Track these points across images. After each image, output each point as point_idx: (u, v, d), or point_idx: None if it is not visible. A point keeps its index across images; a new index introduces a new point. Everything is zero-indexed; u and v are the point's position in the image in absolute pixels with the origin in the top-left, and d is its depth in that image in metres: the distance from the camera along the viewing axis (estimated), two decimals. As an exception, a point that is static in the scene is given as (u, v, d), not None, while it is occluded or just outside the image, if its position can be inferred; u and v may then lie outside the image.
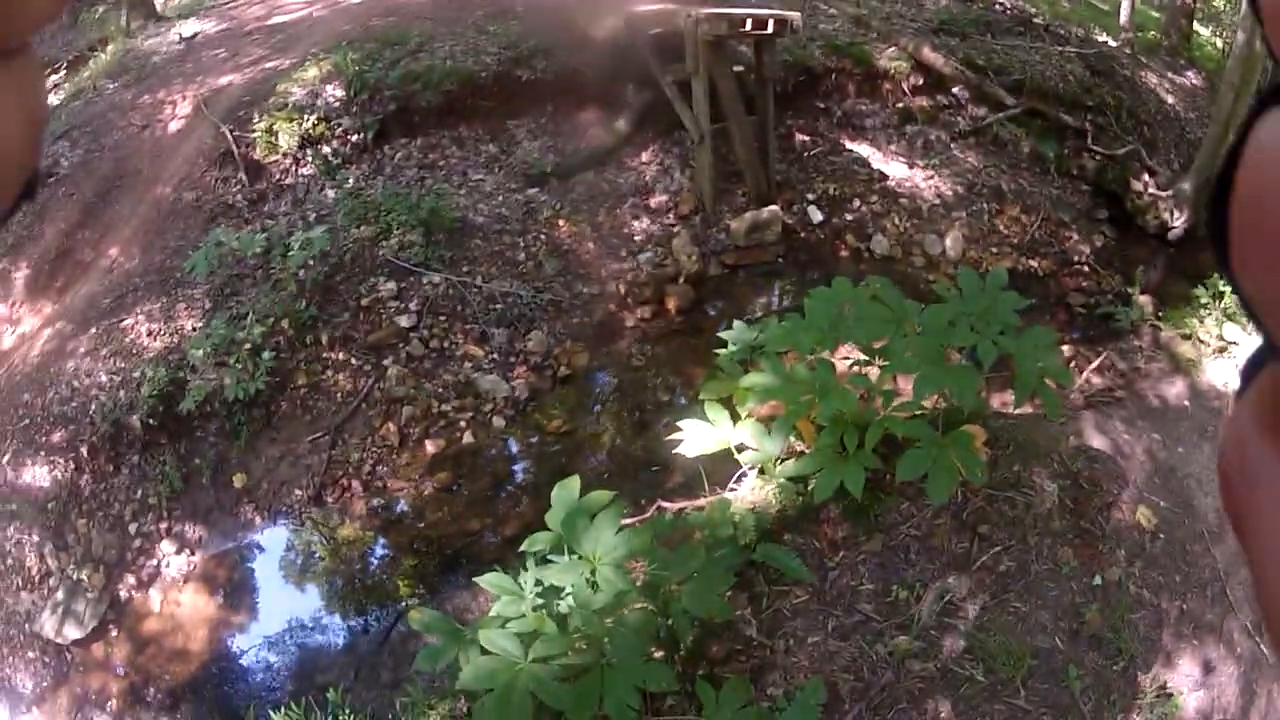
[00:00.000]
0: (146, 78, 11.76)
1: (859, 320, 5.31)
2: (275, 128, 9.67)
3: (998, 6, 13.70)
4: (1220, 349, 8.02)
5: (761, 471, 5.60)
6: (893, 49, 11.42)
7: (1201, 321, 8.40)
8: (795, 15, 9.71)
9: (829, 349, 5.35)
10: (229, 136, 9.54)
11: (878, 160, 10.64)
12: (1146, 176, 11.11)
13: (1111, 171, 11.13)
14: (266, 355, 7.80)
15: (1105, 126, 11.47)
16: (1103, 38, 14.05)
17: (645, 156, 10.23)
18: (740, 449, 5.37)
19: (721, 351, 5.94)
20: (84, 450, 7.32)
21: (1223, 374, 7.60)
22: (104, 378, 7.77)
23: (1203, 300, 8.65)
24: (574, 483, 4.68)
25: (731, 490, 5.81)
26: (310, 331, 8.26)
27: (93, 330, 8.22)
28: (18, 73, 0.34)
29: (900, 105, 11.20)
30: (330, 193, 9.34)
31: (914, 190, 10.40)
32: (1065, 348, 8.78)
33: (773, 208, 9.84)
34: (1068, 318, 9.65)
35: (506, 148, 9.90)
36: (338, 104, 9.74)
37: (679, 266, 9.39)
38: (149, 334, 8.14)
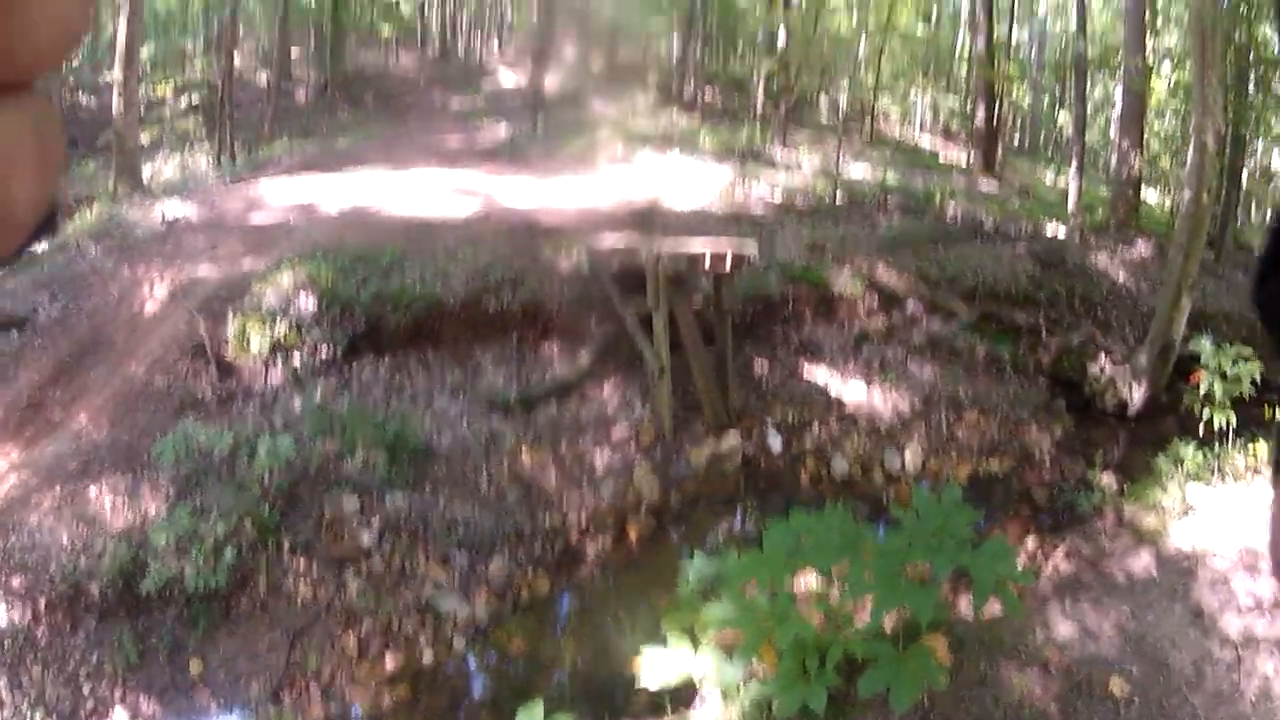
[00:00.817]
0: (128, 249, 12.02)
1: (817, 547, 5.43)
2: (248, 329, 9.83)
3: (949, 218, 14.39)
4: (1184, 512, 8.14)
5: (724, 694, 5.53)
6: (848, 271, 11.86)
7: (1165, 489, 8.54)
8: (752, 248, 10.17)
9: (787, 576, 5.45)
10: (203, 330, 9.69)
11: (835, 383, 10.91)
12: (1103, 357, 11.44)
13: (1068, 360, 11.48)
14: (229, 552, 7.80)
15: (1059, 318, 11.90)
16: (1052, 228, 14.79)
17: (607, 389, 10.43)
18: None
19: (683, 582, 6.01)
20: (42, 602, 7.29)
21: (1188, 537, 7.69)
22: (65, 539, 7.76)
23: (1164, 469, 8.83)
24: (538, 708, 4.63)
25: (694, 712, 5.71)
26: (273, 535, 8.24)
27: (58, 489, 8.23)
28: (29, 109, 0.36)
29: (856, 326, 11.59)
30: (298, 401, 9.43)
31: (872, 410, 10.64)
32: (1030, 539, 8.98)
33: (732, 437, 10.02)
34: (1031, 511, 9.80)
35: (472, 375, 10.07)
36: (310, 315, 9.95)
37: (640, 496, 9.48)
38: (112, 508, 8.15)
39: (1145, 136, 17.50)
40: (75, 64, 28.25)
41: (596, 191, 14.52)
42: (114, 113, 15.27)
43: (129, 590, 7.48)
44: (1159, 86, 19.05)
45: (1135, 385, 10.91)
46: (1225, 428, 8.88)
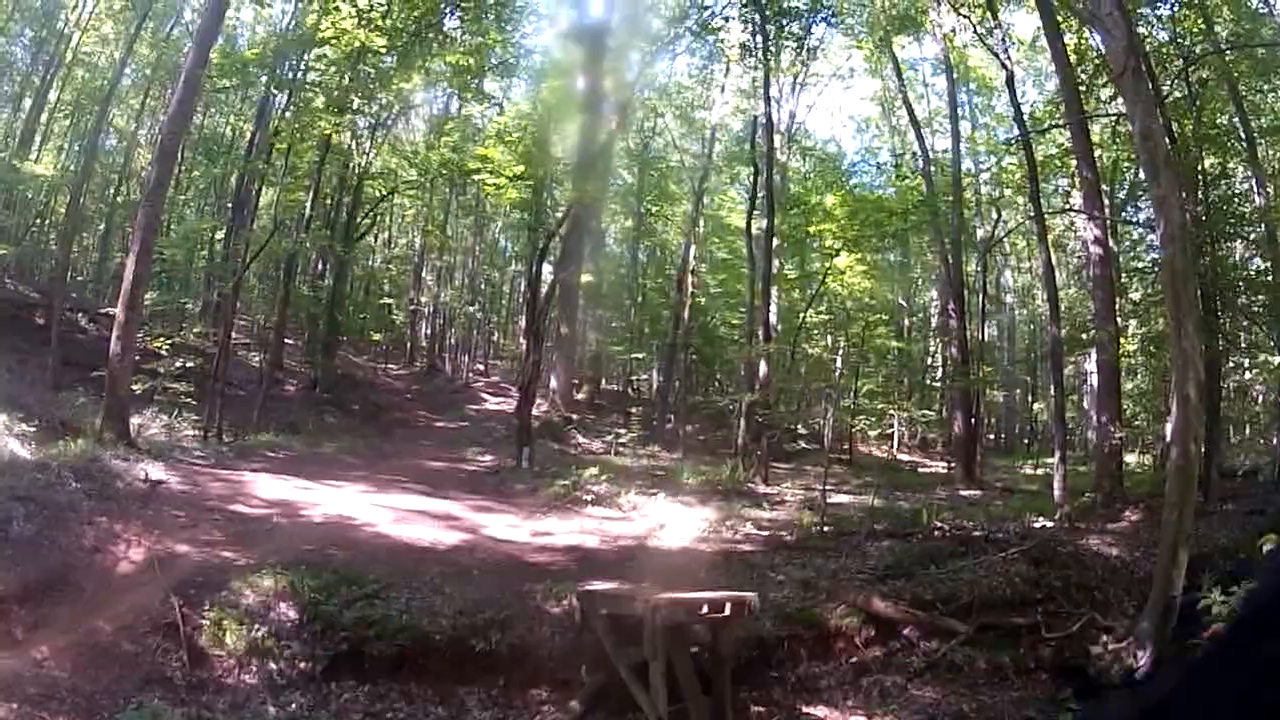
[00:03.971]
0: (107, 499, 11.79)
1: None
2: (224, 623, 9.38)
3: (937, 534, 14.47)
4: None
5: None
6: (842, 606, 11.74)
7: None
8: (752, 596, 10.06)
9: None
10: (178, 610, 9.31)
11: (835, 719, 10.45)
12: (1105, 636, 11.09)
13: (1069, 649, 11.14)
14: None
15: (1056, 611, 11.71)
16: (1040, 522, 14.78)
17: None
18: None
19: None
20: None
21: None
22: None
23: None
24: None
25: None
26: None
27: (14, 706, 7.62)
28: None
29: (854, 660, 11.27)
30: (271, 709, 8.82)
31: None
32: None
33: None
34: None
35: (456, 714, 9.54)
36: (290, 625, 9.60)
37: None
38: None
39: (1120, 402, 17.74)
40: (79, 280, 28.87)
41: (584, 531, 14.64)
42: (111, 353, 15.44)
43: None
44: (1129, 346, 19.66)
45: (1140, 652, 10.49)
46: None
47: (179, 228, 28.75)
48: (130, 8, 27.60)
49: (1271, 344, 18.15)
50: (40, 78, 27.65)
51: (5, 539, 9.95)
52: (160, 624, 9.34)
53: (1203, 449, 11.18)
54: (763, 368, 22.67)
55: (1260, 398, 23.67)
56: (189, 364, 19.50)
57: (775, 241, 24.75)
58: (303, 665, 9.33)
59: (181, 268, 28.06)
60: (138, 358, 16.91)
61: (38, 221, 30.88)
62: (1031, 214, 21.37)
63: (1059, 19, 18.33)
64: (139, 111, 30.98)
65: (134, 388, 16.72)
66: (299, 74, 25.15)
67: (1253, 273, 19.55)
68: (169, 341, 20.16)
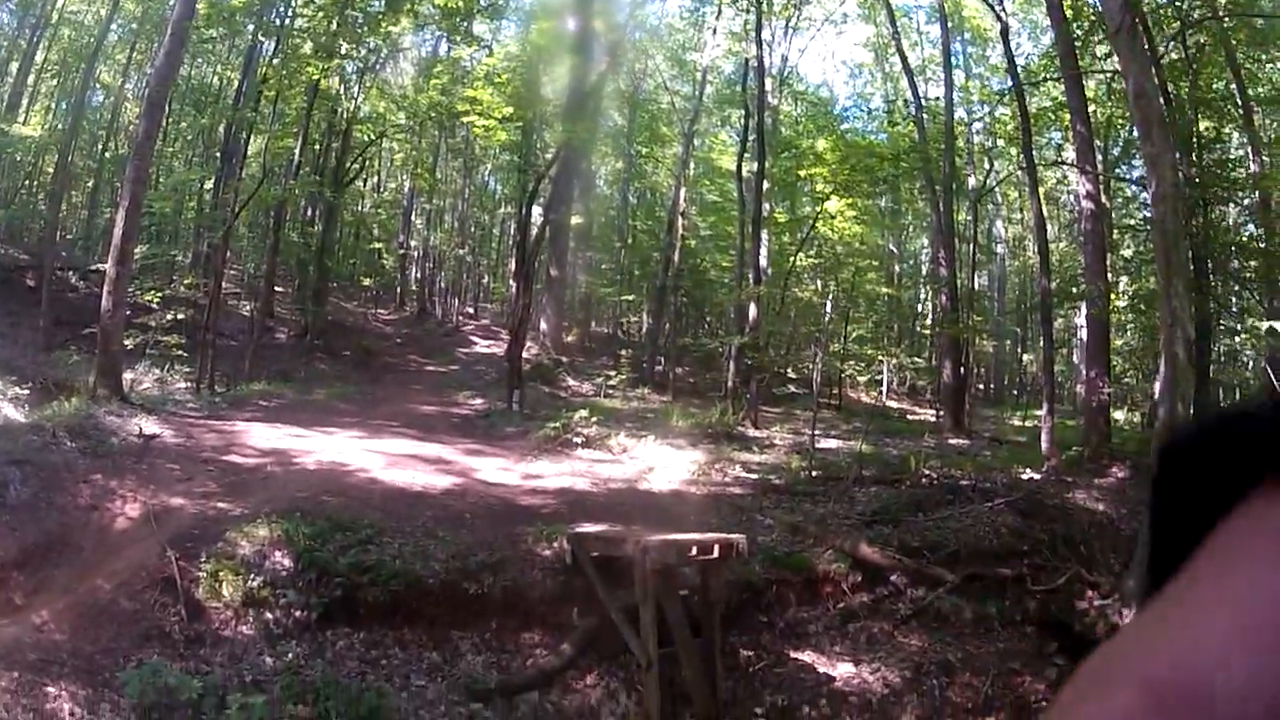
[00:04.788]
0: (102, 456, 11.90)
1: None
2: (221, 575, 9.53)
3: (924, 481, 14.70)
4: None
5: None
6: (830, 551, 11.96)
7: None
8: (740, 538, 10.27)
9: None
10: (174, 564, 9.43)
11: (823, 664, 10.76)
12: (1090, 592, 11.36)
13: (1055, 604, 11.38)
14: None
15: (1043, 564, 11.90)
16: (1027, 474, 15.03)
17: (590, 680, 10.18)
18: None
19: None
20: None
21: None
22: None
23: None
24: None
25: None
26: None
27: (15, 674, 7.81)
28: None
29: (841, 605, 11.52)
30: (269, 659, 9.02)
31: (862, 686, 10.47)
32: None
33: (722, 728, 9.77)
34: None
35: (450, 658, 9.80)
36: (285, 574, 9.74)
37: (625, 793, 9.05)
38: (71, 715, 7.72)
39: (1109, 359, 18.02)
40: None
41: (574, 473, 14.84)
42: (102, 309, 15.51)
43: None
44: (1119, 303, 19.78)
45: (1126, 610, 10.75)
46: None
47: (167, 180, 28.56)
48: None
49: (1262, 310, 18.05)
50: (27, 40, 27.19)
51: (3, 505, 10.04)
52: (157, 579, 9.45)
53: (1191, 409, 11.30)
54: (752, 311, 22.70)
55: (1250, 363, 23.65)
56: (180, 316, 19.61)
57: (766, 184, 24.64)
58: (298, 614, 9.47)
59: (171, 220, 27.86)
60: (129, 312, 16.96)
61: (26, 183, 30.65)
62: (1024, 165, 21.26)
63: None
64: (125, 66, 30.53)
65: (126, 343, 16.81)
66: (286, 20, 24.89)
67: (1245, 239, 19.57)
68: (160, 295, 20.21)
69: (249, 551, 9.89)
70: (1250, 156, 19.20)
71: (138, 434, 12.99)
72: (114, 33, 28.70)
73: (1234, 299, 20.43)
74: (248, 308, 25.79)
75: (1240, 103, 18.35)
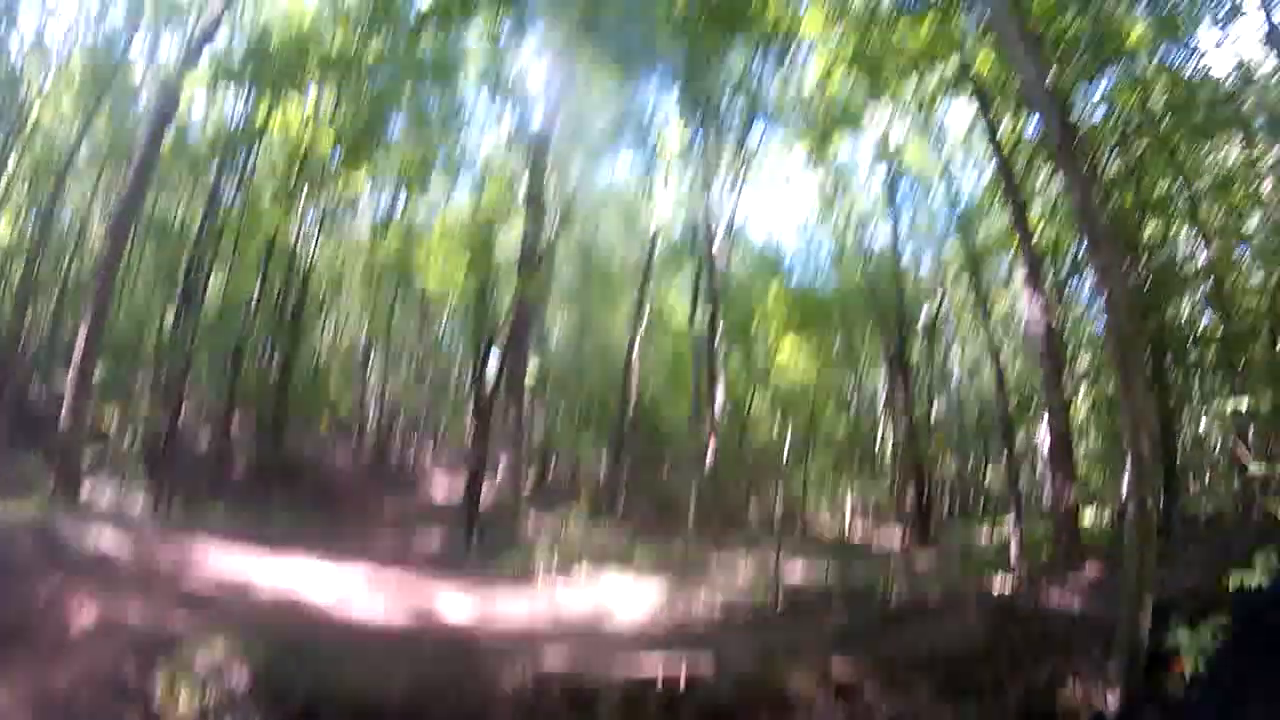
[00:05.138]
0: (58, 560, 11.71)
1: None
2: (178, 687, 9.19)
3: (894, 604, 14.63)
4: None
5: None
6: (800, 674, 11.55)
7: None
8: (708, 667, 10.40)
9: None
10: (132, 674, 9.23)
11: None
12: (1072, 680, 11.03)
13: (1036, 698, 10.98)
14: None
15: (1020, 663, 11.60)
16: (999, 582, 15.00)
17: None
18: None
19: None
20: None
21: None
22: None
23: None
24: None
25: None
26: None
27: None
28: None
29: None
30: None
31: None
32: None
33: None
34: None
35: None
36: (242, 691, 9.43)
37: None
38: None
39: (1074, 463, 18.00)
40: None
41: (535, 609, 14.74)
42: (62, 421, 15.64)
43: None
44: (1079, 413, 20.07)
45: (1109, 694, 10.46)
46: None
47: (128, 306, 28.53)
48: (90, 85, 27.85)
49: (1229, 389, 18.22)
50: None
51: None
52: (117, 689, 9.13)
53: (1161, 500, 11.34)
54: (710, 451, 23.05)
55: (1217, 446, 23.67)
56: (139, 432, 19.38)
57: (720, 328, 25.46)
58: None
59: (131, 343, 27.74)
60: (88, 426, 16.80)
61: (-10, 286, 30.28)
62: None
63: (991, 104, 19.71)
64: (95, 184, 30.85)
65: (84, 455, 16.69)
66: (247, 168, 25.95)
67: (1202, 329, 19.76)
68: (119, 413, 20.05)
69: (206, 666, 9.59)
70: (1203, 247, 19.32)
71: (94, 546, 12.76)
72: (85, 149, 29.12)
73: (1196, 385, 20.57)
74: (207, 434, 25.49)
75: (1189, 197, 18.70)
